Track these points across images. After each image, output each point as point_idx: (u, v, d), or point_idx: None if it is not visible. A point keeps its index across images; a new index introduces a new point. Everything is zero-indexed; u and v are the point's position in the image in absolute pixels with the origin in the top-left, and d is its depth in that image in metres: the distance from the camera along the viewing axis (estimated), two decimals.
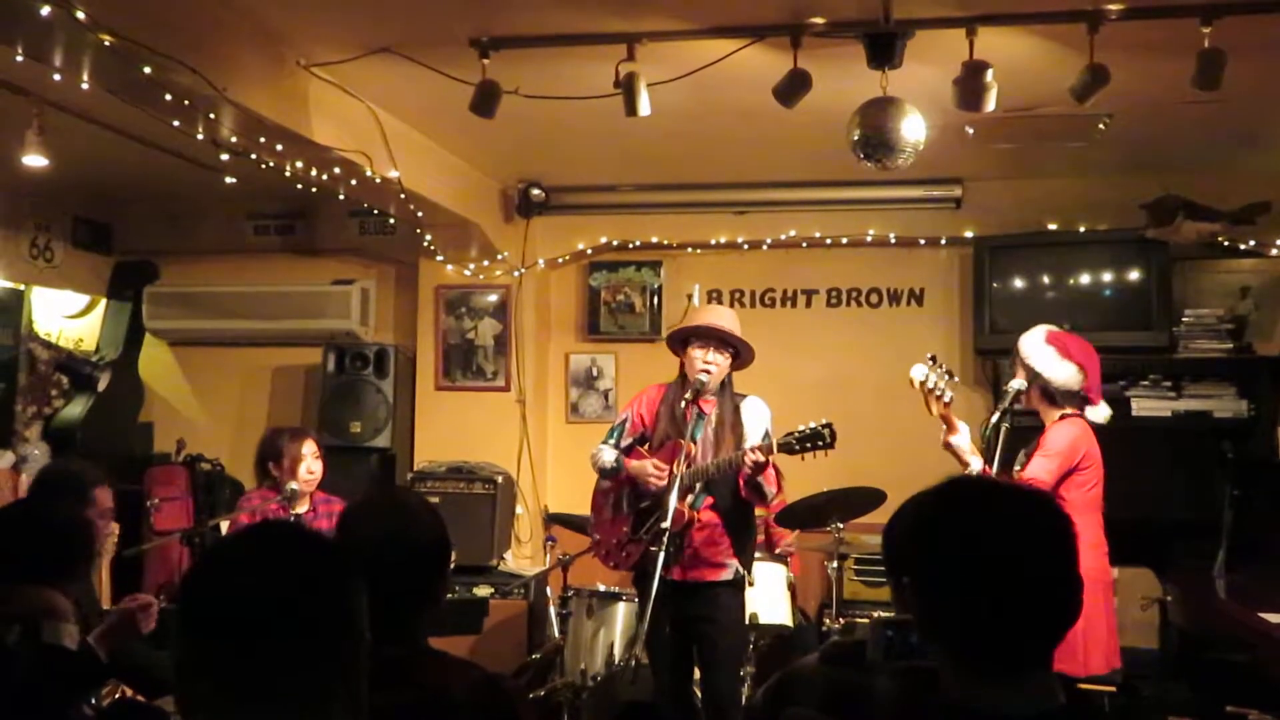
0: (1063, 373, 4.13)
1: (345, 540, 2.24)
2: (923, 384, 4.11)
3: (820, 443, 4.13)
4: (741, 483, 4.29)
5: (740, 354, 4.43)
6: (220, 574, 1.46)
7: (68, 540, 2.88)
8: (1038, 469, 4.00)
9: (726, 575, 4.36)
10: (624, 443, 4.56)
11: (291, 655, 1.39)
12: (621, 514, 4.53)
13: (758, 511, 4.64)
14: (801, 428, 4.16)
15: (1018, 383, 4.23)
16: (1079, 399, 4.17)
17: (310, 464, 4.84)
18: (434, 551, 2.24)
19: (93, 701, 2.86)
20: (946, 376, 4.15)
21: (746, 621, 4.68)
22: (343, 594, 1.46)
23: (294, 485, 4.83)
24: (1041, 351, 4.17)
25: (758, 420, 4.39)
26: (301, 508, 4.83)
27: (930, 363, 4.13)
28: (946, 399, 4.14)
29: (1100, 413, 4.21)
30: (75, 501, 3.52)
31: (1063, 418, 4.15)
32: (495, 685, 2.15)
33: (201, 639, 1.41)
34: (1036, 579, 1.58)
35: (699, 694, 4.58)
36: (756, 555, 4.68)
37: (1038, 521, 1.62)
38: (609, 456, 4.54)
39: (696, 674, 4.53)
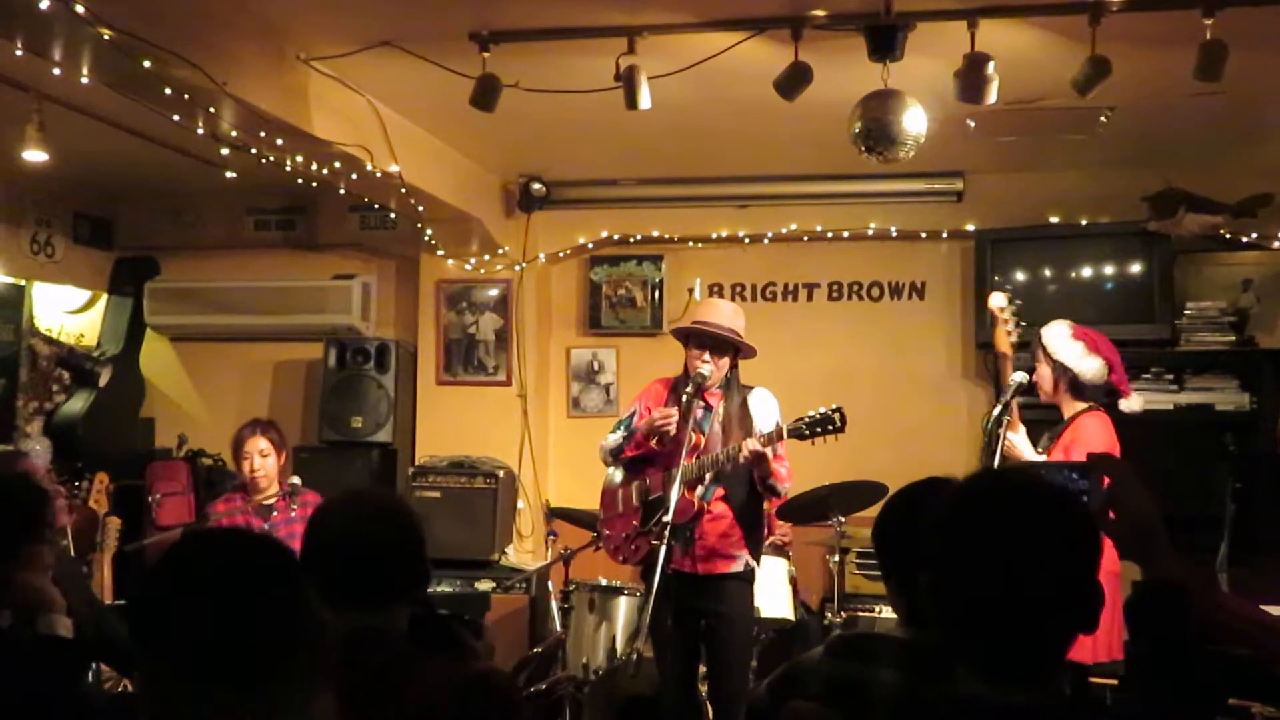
0: (1092, 366, 4.25)
1: (314, 533, 2.24)
2: (1001, 309, 4.34)
3: (831, 427, 4.12)
4: (757, 479, 4.29)
5: (740, 349, 4.43)
6: (163, 587, 1.50)
7: (15, 498, 2.82)
8: None
9: (737, 567, 4.36)
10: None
11: (243, 655, 1.42)
12: (631, 508, 4.52)
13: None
14: (812, 413, 4.15)
15: (1019, 376, 4.26)
16: (1105, 391, 4.27)
17: (256, 461, 4.80)
18: (400, 542, 2.24)
19: (89, 693, 2.85)
20: (1017, 316, 4.37)
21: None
22: (289, 593, 1.49)
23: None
24: (1071, 346, 4.28)
25: (767, 412, 4.38)
26: (268, 500, 4.81)
27: (1008, 293, 4.42)
28: (1014, 338, 4.34)
29: (1135, 403, 4.35)
30: None
31: (1090, 410, 4.20)
32: (484, 684, 2.14)
33: (154, 650, 1.45)
34: (1056, 581, 1.57)
35: (703, 687, 4.58)
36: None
37: (1061, 523, 1.61)
38: (615, 436, 4.54)
39: (702, 668, 4.53)
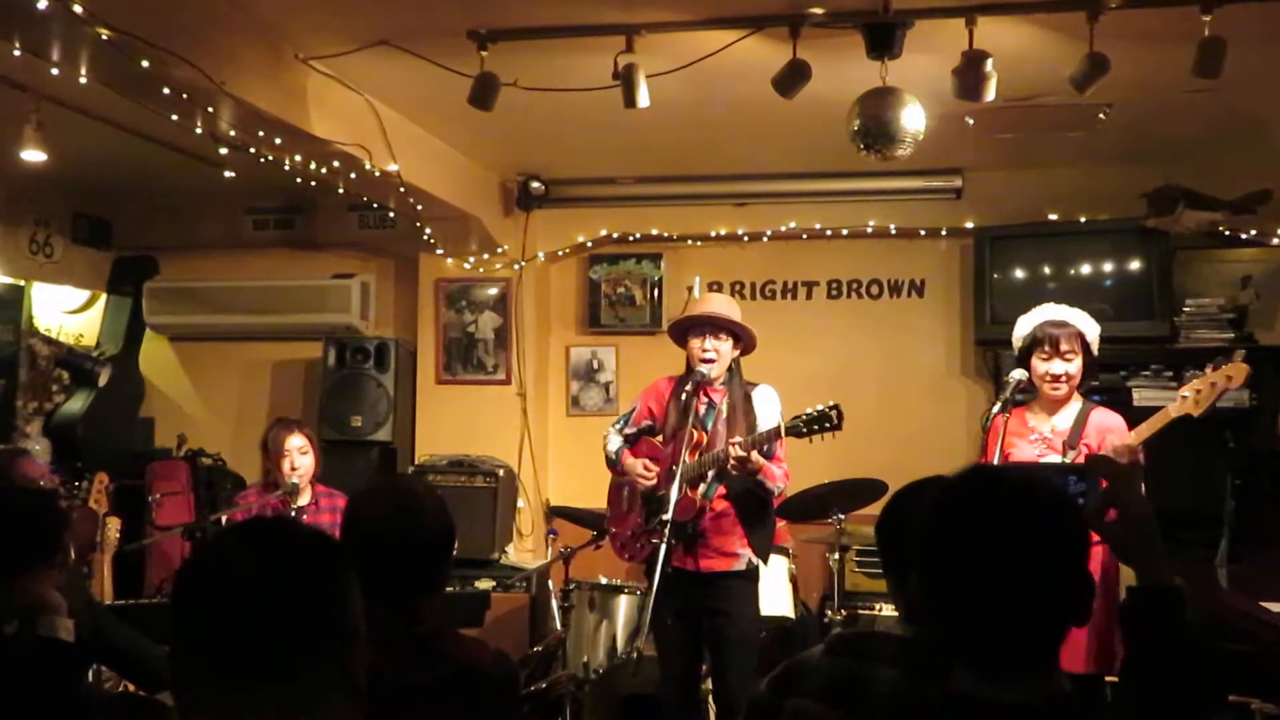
0: None
1: (352, 527, 2.31)
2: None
3: (827, 424, 4.11)
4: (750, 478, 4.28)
5: (742, 338, 4.41)
6: (214, 569, 1.46)
7: (37, 517, 2.82)
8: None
9: (739, 565, 4.33)
10: (628, 431, 4.58)
11: (286, 648, 1.39)
12: (636, 505, 4.52)
13: None
14: (808, 410, 4.14)
15: (1019, 373, 4.23)
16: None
17: (295, 459, 4.78)
18: (441, 539, 2.32)
19: (91, 694, 2.85)
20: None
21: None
22: (336, 586, 1.46)
23: (294, 480, 4.83)
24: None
25: (770, 410, 4.36)
26: (302, 500, 4.82)
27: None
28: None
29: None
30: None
31: (1092, 403, 4.12)
32: (507, 658, 2.36)
33: (196, 634, 1.42)
34: (1042, 576, 1.56)
35: (705, 686, 4.58)
36: None
37: (1043, 517, 1.60)
38: (613, 445, 4.56)
39: (704, 666, 4.52)
